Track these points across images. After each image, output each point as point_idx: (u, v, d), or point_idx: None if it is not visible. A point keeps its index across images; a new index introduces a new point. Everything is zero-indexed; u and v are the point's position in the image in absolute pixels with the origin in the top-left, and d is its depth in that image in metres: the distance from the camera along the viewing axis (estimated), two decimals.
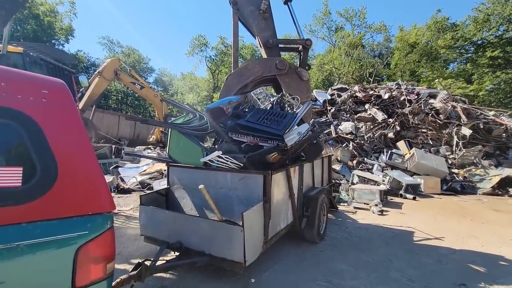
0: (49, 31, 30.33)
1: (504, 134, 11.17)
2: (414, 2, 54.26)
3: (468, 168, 9.66)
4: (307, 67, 5.10)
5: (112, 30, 74.32)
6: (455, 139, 10.48)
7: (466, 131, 10.40)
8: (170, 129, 3.88)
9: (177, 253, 3.11)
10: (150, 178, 8.16)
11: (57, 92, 1.42)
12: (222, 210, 2.84)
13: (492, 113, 12.38)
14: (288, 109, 4.30)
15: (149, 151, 14.22)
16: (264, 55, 4.96)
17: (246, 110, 3.87)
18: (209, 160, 3.11)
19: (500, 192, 8.46)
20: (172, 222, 3.04)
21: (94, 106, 13.62)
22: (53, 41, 31.59)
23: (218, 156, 3.04)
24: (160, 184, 6.78)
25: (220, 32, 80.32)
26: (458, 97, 14.08)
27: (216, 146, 3.91)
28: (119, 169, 8.65)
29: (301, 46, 5.13)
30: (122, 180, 7.89)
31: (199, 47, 38.94)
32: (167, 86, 45.84)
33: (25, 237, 1.18)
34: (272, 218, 2.97)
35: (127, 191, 7.28)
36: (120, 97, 39.62)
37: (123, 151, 13.64)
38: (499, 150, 10.96)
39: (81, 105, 11.77)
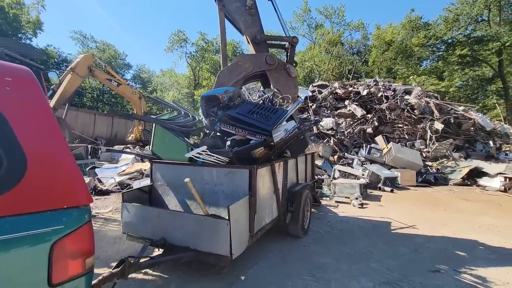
0: (15, 24, 28.40)
1: (472, 128, 11.89)
2: (390, 1, 56.13)
3: (440, 161, 10.19)
4: (294, 64, 5.18)
5: (85, 24, 70.83)
6: (429, 133, 11.02)
7: (439, 126, 10.95)
8: (154, 126, 3.78)
9: (161, 250, 3.05)
10: (130, 179, 7.90)
11: (22, 80, 1.33)
12: (208, 206, 2.82)
13: (461, 108, 13.12)
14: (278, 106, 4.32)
15: (128, 150, 13.75)
16: (253, 51, 4.98)
17: (236, 103, 3.81)
18: (195, 155, 3.06)
19: (469, 183, 9.01)
20: (156, 218, 2.97)
21: (67, 104, 12.95)
22: (19, 35, 29.60)
23: (203, 151, 2.99)
24: (141, 184, 6.58)
25: (200, 28, 78.97)
26: (431, 93, 14.81)
27: (199, 142, 3.85)
28: (96, 170, 8.31)
29: (287, 43, 5.21)
30: (100, 181, 7.58)
31: (178, 43, 38.11)
32: (146, 83, 44.50)
33: None
34: (257, 212, 2.98)
35: (105, 192, 7.01)
36: (95, 95, 37.97)
37: (100, 151, 13.13)
38: (468, 143, 11.67)
39: (52, 103, 11.15)
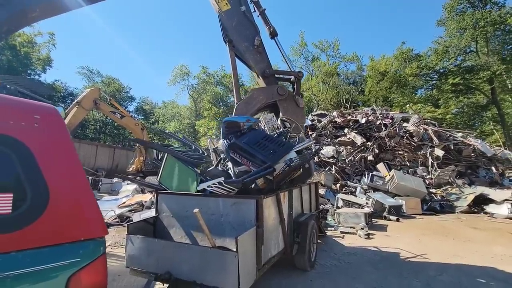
0: (26, 62, 29.79)
1: (473, 154, 11.91)
2: (381, 34, 59.52)
3: (444, 188, 10.07)
4: (300, 95, 5.58)
5: (92, 60, 74.30)
6: (430, 160, 11.02)
7: (439, 152, 10.99)
8: (166, 157, 3.85)
9: (166, 285, 2.94)
10: (130, 211, 7.76)
11: (49, 117, 1.40)
12: (214, 238, 2.75)
13: (460, 134, 13.27)
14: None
15: (129, 181, 13.65)
16: (262, 84, 5.41)
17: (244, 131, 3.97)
18: (207, 187, 3.07)
19: (476, 210, 8.81)
20: (161, 251, 2.88)
21: (71, 136, 13.14)
22: (28, 71, 30.92)
23: (218, 183, 3.01)
24: (141, 217, 6.45)
25: (202, 61, 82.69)
26: (428, 120, 15.06)
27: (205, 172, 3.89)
28: (98, 204, 8.19)
29: (293, 77, 5.68)
30: None
31: (181, 76, 39.60)
32: (148, 115, 45.49)
33: (14, 267, 1.11)
34: (264, 244, 2.90)
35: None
36: (98, 126, 38.66)
37: (100, 183, 13.04)
38: (470, 169, 11.61)
39: None
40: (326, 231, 6.16)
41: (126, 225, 3.33)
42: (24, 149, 1.24)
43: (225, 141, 3.79)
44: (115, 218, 7.30)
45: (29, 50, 30.25)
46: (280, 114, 5.15)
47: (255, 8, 5.48)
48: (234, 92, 5.56)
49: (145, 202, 8.23)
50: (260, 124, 4.69)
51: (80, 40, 63.60)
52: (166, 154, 3.88)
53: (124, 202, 8.32)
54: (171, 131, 38.57)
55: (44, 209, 1.22)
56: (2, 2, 3.64)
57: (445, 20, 27.42)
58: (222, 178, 3.06)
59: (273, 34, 5.59)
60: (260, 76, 5.37)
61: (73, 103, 12.96)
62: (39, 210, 1.21)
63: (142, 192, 10.55)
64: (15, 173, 1.21)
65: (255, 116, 5.06)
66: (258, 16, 5.51)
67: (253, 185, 3.22)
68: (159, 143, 17.27)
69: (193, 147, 4.11)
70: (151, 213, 5.69)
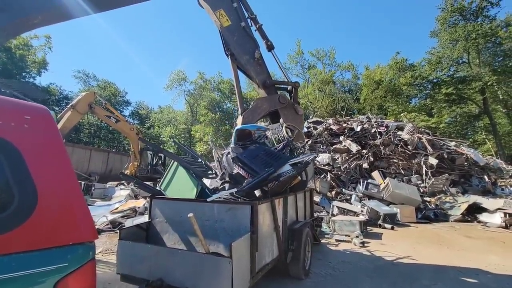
0: (20, 64, 29.55)
1: (466, 163, 12.05)
2: (376, 44, 60.67)
3: (438, 196, 10.13)
4: (298, 103, 6.00)
5: (89, 63, 74.08)
6: (424, 168, 11.10)
7: (433, 161, 11.09)
8: (171, 165, 3.87)
9: None
10: (123, 217, 7.63)
11: (39, 118, 1.36)
12: (208, 243, 2.72)
13: (453, 143, 13.43)
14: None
15: (122, 186, 13.50)
16: (263, 94, 5.82)
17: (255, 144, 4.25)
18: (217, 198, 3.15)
19: (469, 219, 8.87)
20: (153, 257, 2.83)
21: (64, 140, 12.97)
22: (23, 74, 30.66)
23: (231, 194, 3.10)
24: (134, 223, 6.34)
25: (199, 67, 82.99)
26: (422, 129, 15.24)
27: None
28: (88, 207, 8.04)
29: (291, 87, 6.11)
30: None
31: (177, 81, 39.64)
32: (144, 119, 45.27)
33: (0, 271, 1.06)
34: (258, 250, 2.88)
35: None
36: (92, 131, 38.30)
37: (93, 188, 12.85)
38: (463, 178, 11.72)
39: None
40: (321, 239, 6.12)
41: (118, 231, 3.28)
42: (12, 150, 1.20)
43: (232, 148, 4.07)
44: (107, 224, 7.17)
45: (24, 53, 30.04)
46: (281, 120, 5.55)
47: (253, 23, 5.80)
48: (238, 101, 6.02)
49: (139, 208, 8.11)
50: (267, 133, 4.90)
51: (77, 43, 63.54)
52: (172, 161, 3.91)
53: (117, 208, 8.19)
54: (165, 136, 38.40)
55: (31, 211, 1.18)
56: (3, 7, 3.61)
57: (438, 31, 28.07)
58: (235, 189, 3.11)
59: (270, 47, 5.91)
60: (261, 86, 5.74)
61: (68, 106, 12.82)
62: (26, 213, 1.17)
63: (136, 197, 10.41)
64: (2, 174, 1.17)
65: (270, 126, 5.41)
66: (255, 30, 5.84)
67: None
68: (147, 146, 17.13)
69: (200, 160, 4.16)
70: (144, 219, 5.61)
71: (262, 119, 6.10)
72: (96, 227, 6.97)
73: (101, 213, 7.64)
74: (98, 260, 4.80)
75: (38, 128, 1.33)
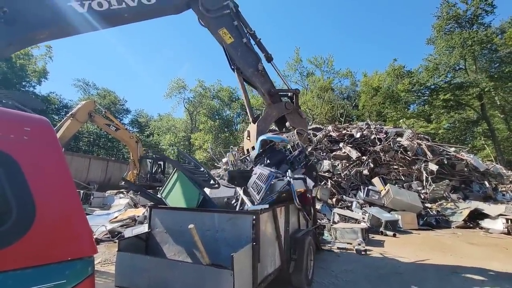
0: (21, 74, 29.72)
1: (466, 169, 12.03)
2: (373, 51, 61.42)
3: (439, 202, 10.07)
4: (299, 108, 6.71)
5: (89, 72, 74.55)
6: (424, 174, 11.07)
7: (433, 167, 11.07)
8: (173, 173, 3.88)
9: None
10: (122, 226, 7.55)
11: (39, 130, 1.34)
12: (209, 254, 2.66)
13: (452, 149, 13.44)
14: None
15: (122, 195, 13.39)
16: (269, 102, 6.36)
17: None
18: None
19: (471, 225, 8.80)
20: (153, 269, 2.78)
21: (63, 149, 12.94)
22: (23, 83, 30.80)
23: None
24: (133, 232, 6.26)
25: (199, 74, 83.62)
26: (421, 135, 15.26)
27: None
28: (87, 217, 7.94)
29: (292, 94, 6.71)
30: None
31: (177, 89, 39.84)
32: (143, 127, 45.30)
33: None
34: (260, 261, 2.83)
35: (95, 242, 6.61)
36: (92, 139, 38.27)
37: (92, 197, 12.75)
38: (464, 184, 11.68)
39: None
40: (322, 247, 6.05)
41: (117, 241, 3.23)
42: (11, 163, 1.18)
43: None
44: (106, 234, 7.08)
45: (25, 62, 30.26)
46: (287, 124, 6.36)
47: (252, 38, 6.25)
48: (248, 111, 6.67)
49: (138, 216, 8.03)
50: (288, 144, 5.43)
51: (77, 51, 64.09)
52: (174, 169, 3.91)
53: (116, 217, 8.11)
54: (164, 144, 38.34)
55: (29, 227, 1.14)
56: (11, 21, 3.61)
57: (434, 39, 28.44)
58: (267, 206, 3.17)
59: (269, 59, 6.41)
60: (266, 95, 6.24)
61: (67, 115, 12.84)
62: (24, 228, 1.13)
63: (135, 206, 10.32)
64: (0, 187, 1.14)
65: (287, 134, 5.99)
66: (254, 44, 6.30)
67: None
68: (153, 156, 17.10)
69: (202, 168, 4.18)
70: (144, 228, 5.55)
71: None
72: (95, 237, 6.89)
73: (100, 223, 7.56)
74: (97, 271, 4.72)
75: (38, 140, 1.31)
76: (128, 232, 6.68)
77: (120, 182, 16.45)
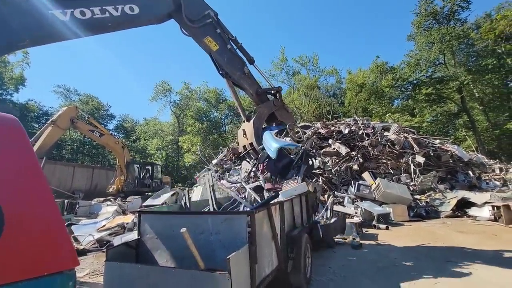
0: None
1: (451, 159, 12.37)
2: (356, 49, 62.60)
3: (428, 193, 10.30)
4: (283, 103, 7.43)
5: (70, 78, 72.20)
6: (412, 166, 11.30)
7: (420, 159, 11.31)
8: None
9: None
10: (110, 234, 7.27)
11: (8, 129, 1.19)
12: (203, 258, 2.53)
13: (437, 141, 13.80)
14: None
15: (109, 202, 12.96)
16: (257, 101, 6.85)
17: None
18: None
19: (459, 214, 9.03)
20: (144, 277, 2.60)
21: (44, 157, 12.38)
22: (0, 91, 29.44)
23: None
24: (122, 240, 6.02)
25: (184, 77, 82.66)
26: (407, 129, 15.59)
27: None
28: (73, 227, 7.61)
29: (275, 91, 7.29)
30: (76, 239, 6.89)
31: (162, 92, 39.19)
32: (129, 133, 44.25)
33: None
34: (258, 262, 2.72)
35: (82, 252, 6.31)
36: (75, 146, 37.06)
37: (77, 206, 12.28)
38: (450, 174, 12.01)
39: None
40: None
41: (106, 250, 3.03)
42: None
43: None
44: (94, 243, 6.79)
45: (0, 70, 28.93)
46: (277, 120, 6.98)
47: (234, 44, 6.55)
48: (240, 111, 7.22)
49: (127, 223, 7.76)
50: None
51: (56, 57, 61.95)
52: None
53: (104, 225, 7.80)
54: (152, 148, 37.60)
55: None
56: None
57: (414, 35, 29.29)
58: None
59: (251, 61, 6.81)
60: (254, 95, 6.76)
61: (48, 122, 12.31)
62: None
63: (123, 213, 9.99)
64: None
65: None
66: (236, 49, 6.57)
67: None
68: (141, 160, 16.68)
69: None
70: (134, 235, 5.32)
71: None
72: (82, 247, 6.59)
73: (86, 232, 7.25)
74: (85, 283, 4.49)
75: (6, 141, 1.16)
76: (117, 240, 6.43)
77: (107, 189, 15.97)
